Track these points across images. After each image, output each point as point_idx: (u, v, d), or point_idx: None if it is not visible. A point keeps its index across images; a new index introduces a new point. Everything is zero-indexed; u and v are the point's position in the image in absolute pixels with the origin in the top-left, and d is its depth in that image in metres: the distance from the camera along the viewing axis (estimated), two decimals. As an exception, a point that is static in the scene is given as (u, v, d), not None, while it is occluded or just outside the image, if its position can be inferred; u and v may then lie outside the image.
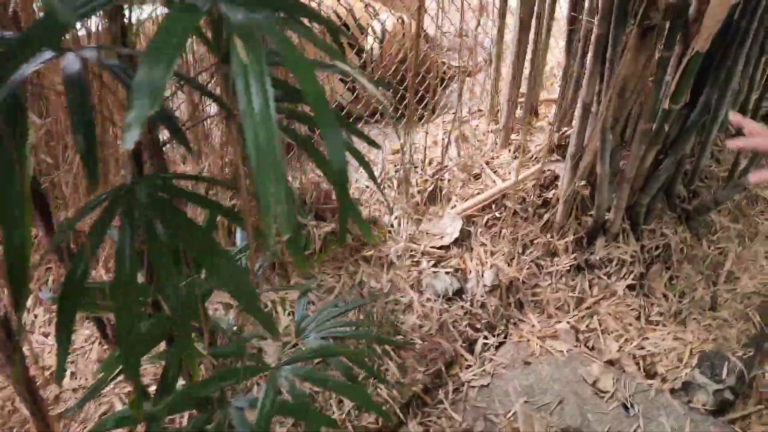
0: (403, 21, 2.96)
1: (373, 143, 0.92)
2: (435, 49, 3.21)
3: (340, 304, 1.32)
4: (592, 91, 1.83)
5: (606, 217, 2.06)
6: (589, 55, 1.79)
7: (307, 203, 2.06)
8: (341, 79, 2.97)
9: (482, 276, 2.09)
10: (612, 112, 1.79)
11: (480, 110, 2.74)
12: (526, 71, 2.41)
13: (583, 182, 1.99)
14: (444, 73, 3.13)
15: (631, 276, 2.07)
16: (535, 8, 2.23)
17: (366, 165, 0.96)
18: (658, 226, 2.14)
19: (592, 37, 1.76)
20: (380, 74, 2.82)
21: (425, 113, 2.52)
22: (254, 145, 0.51)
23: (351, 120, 2.73)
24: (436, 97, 2.74)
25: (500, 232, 2.18)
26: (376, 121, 2.75)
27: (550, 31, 2.32)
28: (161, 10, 1.84)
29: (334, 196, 2.10)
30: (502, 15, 2.35)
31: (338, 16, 2.89)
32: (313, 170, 2.08)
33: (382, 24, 2.90)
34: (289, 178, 2.10)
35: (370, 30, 2.97)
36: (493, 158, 2.40)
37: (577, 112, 1.90)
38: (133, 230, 0.75)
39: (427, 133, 2.61)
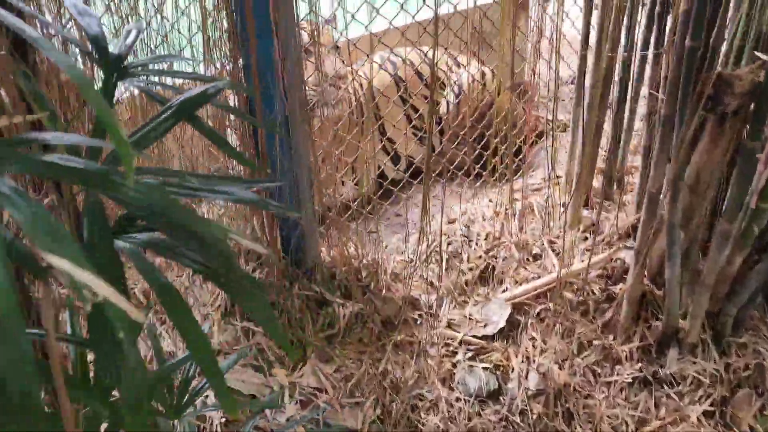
0: (483, 74, 2.76)
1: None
2: (530, 102, 2.97)
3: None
4: (659, 180, 1.53)
5: (680, 325, 1.71)
6: (657, 137, 1.49)
7: (336, 278, 1.91)
8: (419, 138, 2.82)
9: (526, 377, 1.82)
10: (682, 207, 1.48)
11: (559, 176, 2.45)
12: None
13: (649, 284, 1.67)
14: (535, 128, 2.88)
15: (710, 400, 1.70)
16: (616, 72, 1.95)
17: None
18: (751, 340, 1.75)
19: (660, 117, 1.46)
20: (452, 132, 2.64)
21: (490, 177, 2.30)
22: None
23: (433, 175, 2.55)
24: (504, 160, 2.48)
25: (553, 326, 1.89)
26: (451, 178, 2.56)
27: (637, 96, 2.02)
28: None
29: (365, 273, 1.94)
30: (582, 73, 2.08)
31: (419, 74, 2.74)
32: (344, 244, 1.93)
33: (458, 78, 2.71)
34: (323, 249, 1.97)
35: (448, 85, 2.79)
36: (558, 237, 2.12)
37: (644, 203, 1.60)
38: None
39: (491, 201, 2.38)
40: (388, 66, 2.65)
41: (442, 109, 2.80)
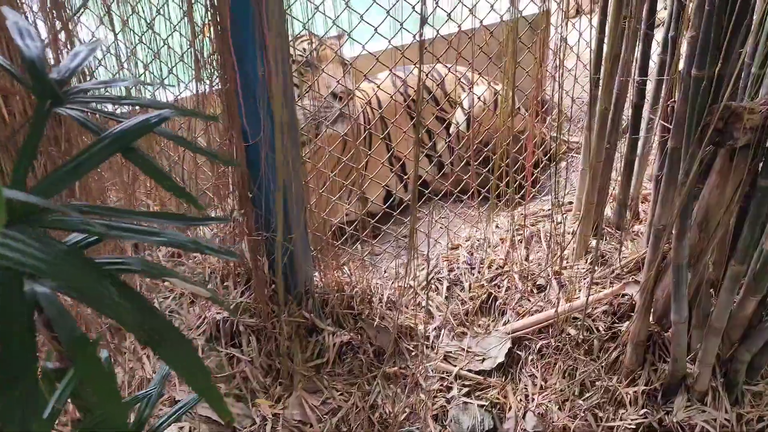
0: (496, 93, 2.67)
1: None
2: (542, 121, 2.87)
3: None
4: (666, 216, 1.42)
5: (689, 371, 1.60)
6: (664, 170, 1.39)
7: (327, 306, 1.84)
8: (427, 155, 2.74)
9: (524, 417, 1.72)
10: (689, 246, 1.37)
11: (571, 202, 2.35)
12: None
13: (655, 325, 1.56)
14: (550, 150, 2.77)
15: (720, 452, 1.58)
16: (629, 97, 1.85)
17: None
18: (767, 389, 1.63)
19: (667, 150, 1.37)
20: (458, 154, 2.56)
21: (498, 201, 2.20)
22: None
23: (438, 197, 2.45)
24: (513, 183, 2.39)
25: (555, 364, 1.79)
26: (459, 200, 2.47)
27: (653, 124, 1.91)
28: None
29: (358, 301, 1.86)
30: (594, 97, 1.98)
31: (428, 89, 2.67)
32: (336, 269, 1.86)
33: (470, 98, 2.63)
34: (316, 274, 1.90)
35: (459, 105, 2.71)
36: (565, 268, 2.02)
37: (651, 240, 1.49)
38: None
39: (498, 227, 2.29)
40: (396, 82, 2.58)
41: (453, 128, 2.73)
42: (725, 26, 1.17)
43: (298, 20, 1.57)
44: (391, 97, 2.32)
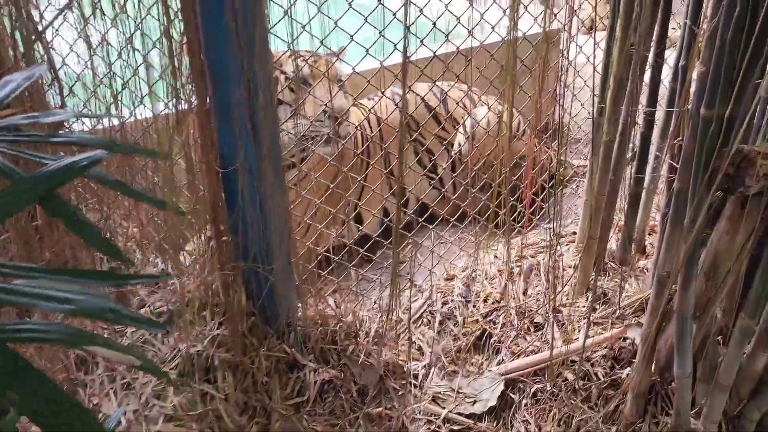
0: (500, 116, 2.56)
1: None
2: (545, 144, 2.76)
3: None
4: (671, 262, 1.31)
5: (693, 426, 1.48)
6: (669, 213, 1.28)
7: (310, 340, 1.74)
8: (426, 175, 2.65)
9: (515, 468, 1.61)
10: (696, 295, 1.26)
11: (574, 232, 2.24)
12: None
13: (657, 377, 1.45)
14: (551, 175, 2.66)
15: None
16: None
17: None
18: (779, 448, 1.50)
19: (673, 191, 1.26)
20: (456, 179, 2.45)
21: (496, 230, 2.10)
22: None
23: (435, 222, 2.34)
24: (513, 211, 2.28)
25: (550, 410, 1.67)
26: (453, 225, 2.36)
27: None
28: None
29: (343, 335, 1.76)
30: (599, 125, 1.87)
31: (428, 107, 2.57)
32: (320, 300, 1.76)
33: (473, 119, 2.53)
34: (299, 306, 1.79)
35: (461, 126, 2.62)
36: (564, 305, 1.90)
37: (654, 286, 1.38)
38: None
39: (496, 257, 2.18)
40: (395, 99, 2.49)
41: (453, 152, 2.63)
42: (738, 62, 1.06)
43: (281, 39, 1.49)
44: (384, 121, 2.22)
